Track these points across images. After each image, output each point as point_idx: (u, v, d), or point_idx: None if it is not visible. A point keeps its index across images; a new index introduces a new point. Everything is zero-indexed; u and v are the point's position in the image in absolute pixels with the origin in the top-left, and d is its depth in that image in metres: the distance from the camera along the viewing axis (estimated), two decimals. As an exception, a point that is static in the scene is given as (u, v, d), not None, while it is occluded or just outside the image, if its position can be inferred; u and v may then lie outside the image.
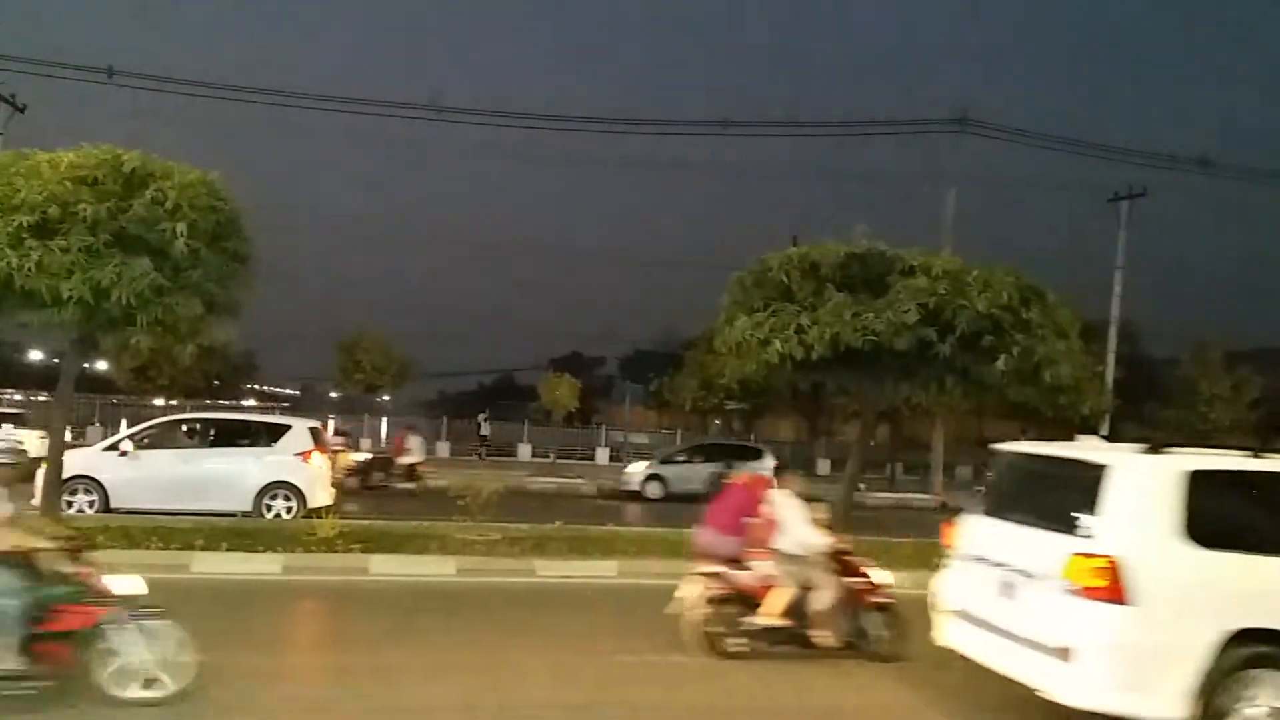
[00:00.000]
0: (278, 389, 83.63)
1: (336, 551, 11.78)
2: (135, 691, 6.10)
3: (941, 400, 13.82)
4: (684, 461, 25.81)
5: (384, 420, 39.92)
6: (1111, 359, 27.71)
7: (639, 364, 61.57)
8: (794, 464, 33.86)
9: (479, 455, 35.97)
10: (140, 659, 6.10)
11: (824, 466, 37.26)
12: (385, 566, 11.50)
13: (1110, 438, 8.24)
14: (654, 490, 24.57)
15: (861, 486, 25.86)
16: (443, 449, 36.39)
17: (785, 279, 12.74)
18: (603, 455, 38.97)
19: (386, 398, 42.41)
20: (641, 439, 43.31)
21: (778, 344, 12.25)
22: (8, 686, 5.80)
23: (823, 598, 8.15)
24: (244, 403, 53.65)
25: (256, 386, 68.62)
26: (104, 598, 6.12)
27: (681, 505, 19.98)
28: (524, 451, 38.48)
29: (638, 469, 25.76)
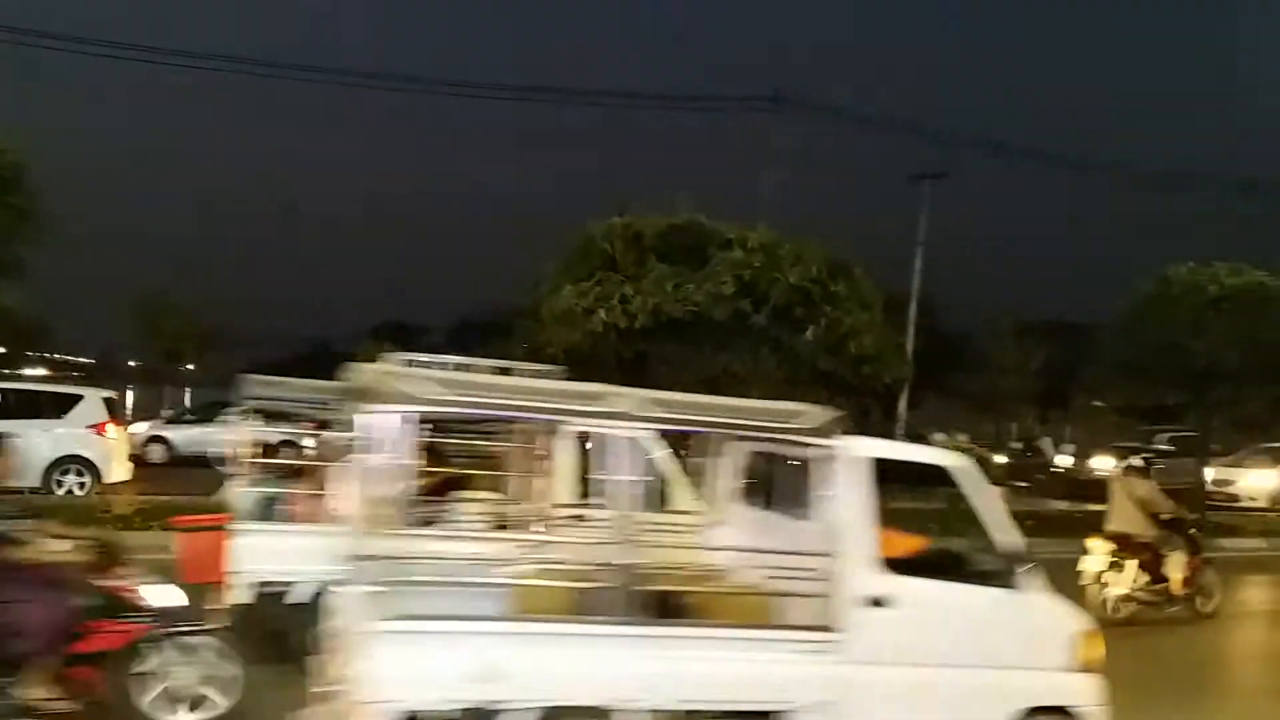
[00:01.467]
0: (71, 357, 77.46)
1: (135, 529, 11.14)
2: (182, 716, 5.53)
3: (756, 369, 14.39)
4: (193, 422, 23.48)
5: (187, 391, 37.80)
6: (912, 330, 29.36)
7: (466, 333, 60.70)
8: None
9: None
10: (184, 679, 5.53)
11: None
12: (192, 543, 10.90)
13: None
14: (157, 453, 22.44)
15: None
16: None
17: (610, 249, 12.96)
18: (426, 426, 38.34)
19: (191, 367, 40.03)
20: (467, 409, 42.89)
21: (602, 313, 12.47)
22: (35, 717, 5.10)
23: None
24: (33, 371, 49.46)
25: (48, 354, 63.34)
26: (138, 612, 5.47)
27: (193, 469, 17.51)
28: (342, 424, 37.32)
29: (139, 430, 22.88)
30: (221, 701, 5.58)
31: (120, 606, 5.47)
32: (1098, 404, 38.79)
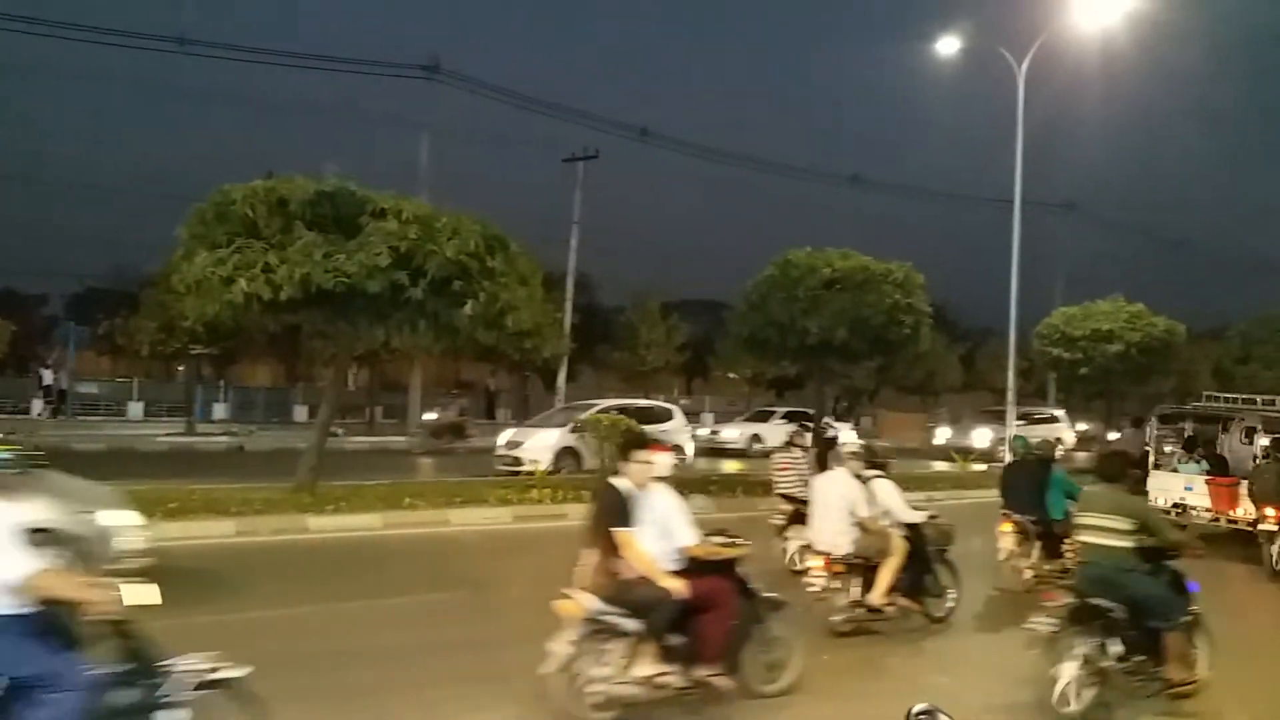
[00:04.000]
0: None
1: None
2: None
3: (415, 343, 14.17)
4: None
5: None
6: (569, 306, 30.39)
7: (89, 304, 54.08)
8: (269, 412, 32.07)
9: (45, 413, 29.17)
10: None
11: (301, 413, 36.21)
12: None
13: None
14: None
15: (339, 431, 25.59)
16: None
17: (251, 213, 12.12)
18: (41, 407, 33.86)
19: None
20: (91, 388, 38.37)
21: (243, 283, 11.67)
22: None
23: None
24: None
25: None
26: None
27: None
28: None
29: None
30: None
31: None
32: (731, 375, 42.47)
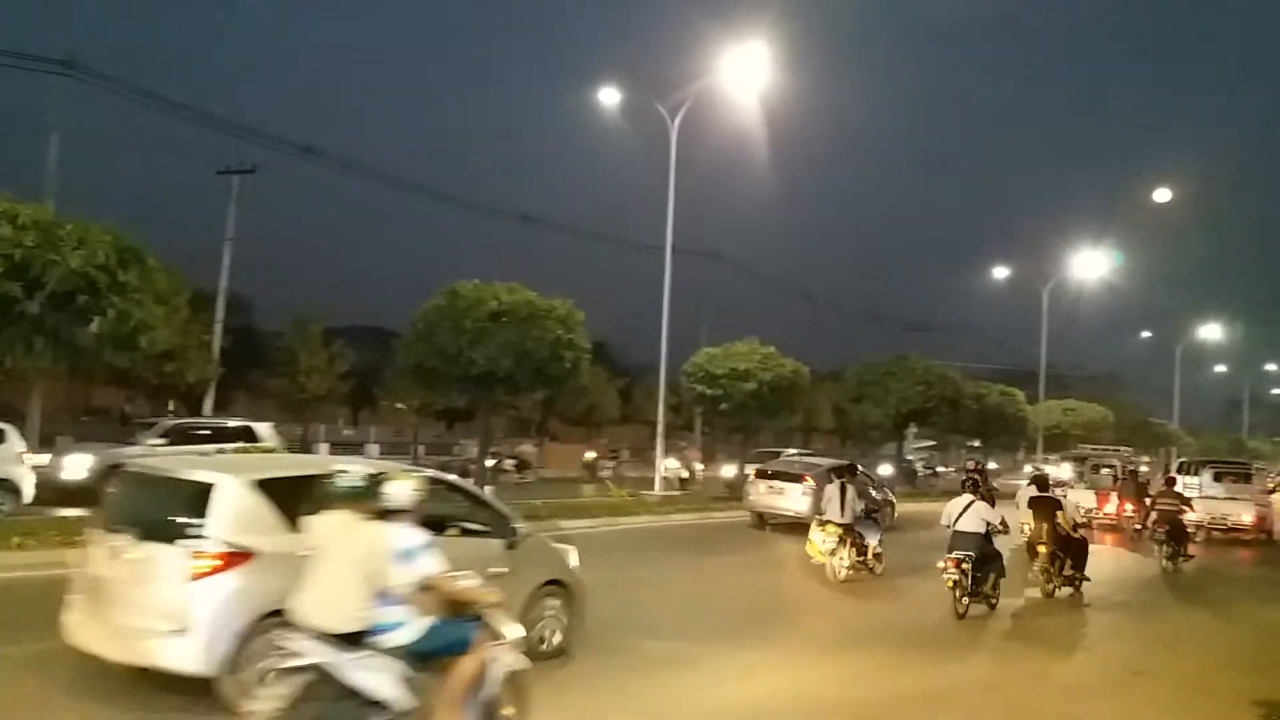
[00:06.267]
0: None
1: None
2: None
3: (31, 363, 12.66)
4: None
5: None
6: (219, 328, 28.36)
7: None
8: None
9: None
10: None
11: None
12: None
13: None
14: None
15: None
16: None
17: None
18: None
19: None
20: None
21: None
22: None
23: None
24: None
25: None
26: None
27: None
28: None
29: None
30: None
31: None
32: (400, 406, 41.63)
